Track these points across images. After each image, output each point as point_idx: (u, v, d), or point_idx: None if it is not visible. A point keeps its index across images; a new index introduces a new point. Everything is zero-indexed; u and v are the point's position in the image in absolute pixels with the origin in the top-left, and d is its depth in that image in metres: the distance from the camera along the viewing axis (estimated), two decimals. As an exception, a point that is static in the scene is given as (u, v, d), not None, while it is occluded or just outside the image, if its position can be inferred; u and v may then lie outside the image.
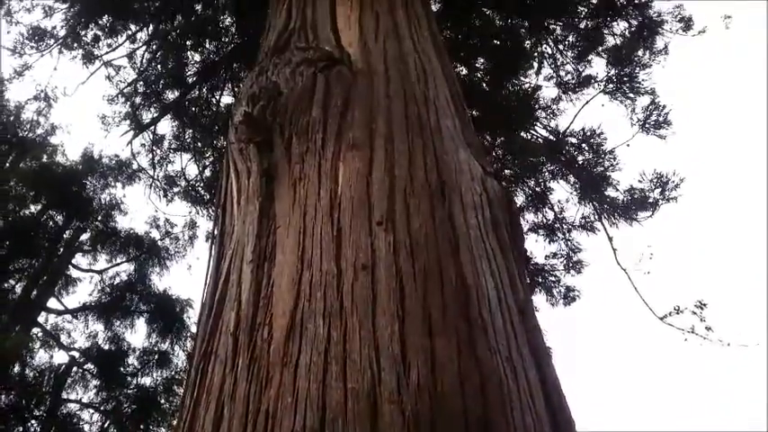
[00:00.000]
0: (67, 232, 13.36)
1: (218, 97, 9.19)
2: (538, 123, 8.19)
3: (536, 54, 8.44)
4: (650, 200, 7.30)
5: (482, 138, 7.53)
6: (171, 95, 9.16)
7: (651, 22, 7.85)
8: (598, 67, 8.13)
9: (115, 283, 13.29)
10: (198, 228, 12.82)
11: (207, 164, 9.53)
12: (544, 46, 8.45)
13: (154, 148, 9.70)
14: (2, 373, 10.46)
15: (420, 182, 2.27)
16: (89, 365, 12.58)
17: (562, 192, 8.62)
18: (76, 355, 12.56)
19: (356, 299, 1.79)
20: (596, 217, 7.84)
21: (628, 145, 7.51)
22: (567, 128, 7.89)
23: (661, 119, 7.32)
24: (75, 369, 12.30)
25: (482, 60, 8.71)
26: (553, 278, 8.24)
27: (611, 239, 7.57)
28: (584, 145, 7.82)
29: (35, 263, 12.76)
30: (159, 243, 13.38)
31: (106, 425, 11.95)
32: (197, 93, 9.20)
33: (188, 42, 8.85)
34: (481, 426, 1.53)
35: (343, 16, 3.53)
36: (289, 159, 2.48)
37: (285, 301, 1.87)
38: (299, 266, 1.95)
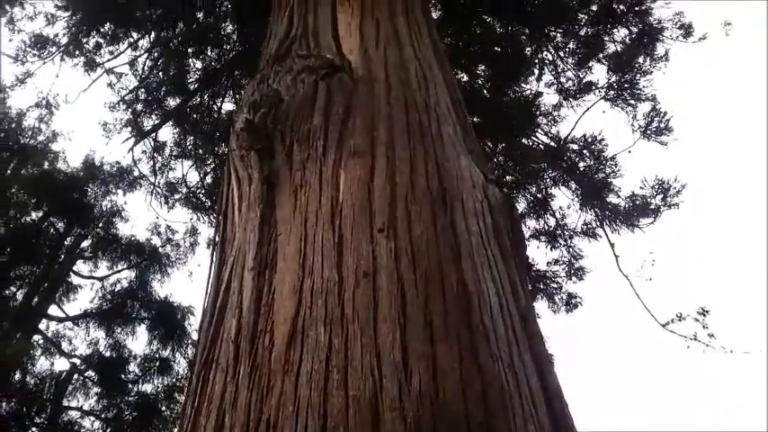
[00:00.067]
0: (68, 239, 13.35)
1: (219, 104, 9.23)
2: (539, 130, 8.20)
3: (537, 61, 8.46)
4: (652, 206, 7.29)
5: (483, 144, 7.53)
6: (172, 102, 9.19)
7: (651, 29, 7.86)
8: (599, 73, 8.18)
9: (116, 290, 13.26)
10: (199, 234, 12.82)
11: (208, 171, 9.55)
12: (545, 53, 8.48)
13: (155, 154, 9.72)
14: (3, 380, 10.44)
15: (421, 189, 2.27)
16: (90, 373, 12.55)
17: (563, 198, 8.65)
18: (77, 362, 12.54)
19: (357, 306, 1.78)
20: (598, 223, 7.83)
21: (629, 151, 7.52)
22: (569, 134, 7.91)
23: (662, 125, 7.33)
24: (76, 376, 12.27)
25: (483, 67, 8.73)
26: (555, 285, 8.22)
27: (612, 246, 7.56)
28: (585, 151, 7.83)
29: (36, 270, 12.74)
30: (160, 250, 13.36)
31: (107, 432, 11.92)
32: (198, 100, 9.23)
33: (189, 50, 8.87)
34: (483, 433, 1.53)
35: (344, 23, 3.54)
36: (290, 166, 2.48)
37: (286, 308, 1.86)
38: (300, 274, 1.95)
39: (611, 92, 7.80)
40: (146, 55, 9.32)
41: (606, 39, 8.13)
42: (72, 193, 12.54)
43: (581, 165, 7.89)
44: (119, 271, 13.45)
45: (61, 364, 12.71)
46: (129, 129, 9.34)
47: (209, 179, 9.51)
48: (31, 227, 12.71)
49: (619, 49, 7.99)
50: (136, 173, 11.08)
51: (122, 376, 12.35)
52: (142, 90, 9.26)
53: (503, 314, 1.94)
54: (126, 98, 9.29)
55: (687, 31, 7.82)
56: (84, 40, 9.02)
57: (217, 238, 2.71)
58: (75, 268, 13.48)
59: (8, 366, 10.13)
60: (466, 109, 3.41)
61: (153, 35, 9.30)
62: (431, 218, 2.15)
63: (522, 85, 8.49)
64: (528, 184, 8.34)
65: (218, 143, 9.15)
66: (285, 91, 2.91)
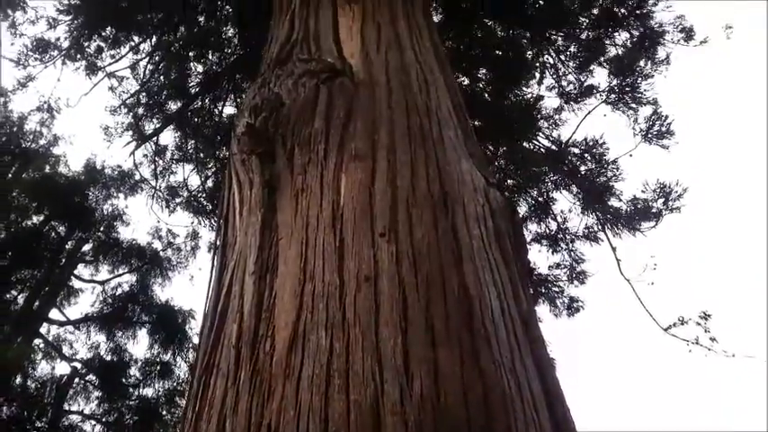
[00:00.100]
0: (70, 243, 13.36)
1: (220, 108, 9.23)
2: (540, 133, 8.20)
3: (538, 64, 8.46)
4: (653, 210, 7.28)
5: (484, 148, 7.53)
6: (173, 106, 9.20)
7: (653, 32, 7.86)
8: (600, 77, 8.15)
9: (117, 293, 13.27)
10: (200, 238, 12.80)
11: (209, 174, 9.56)
12: (546, 56, 8.47)
13: (156, 158, 9.72)
14: (4, 384, 10.43)
15: (422, 193, 2.27)
16: (91, 377, 12.55)
17: (565, 202, 8.62)
18: (78, 366, 12.54)
19: (359, 310, 1.78)
20: (599, 227, 7.82)
21: (630, 155, 7.51)
22: (570, 138, 7.90)
23: (663, 129, 7.32)
24: (76, 380, 12.27)
25: (484, 71, 8.73)
26: (556, 289, 8.21)
27: (614, 250, 7.54)
28: (586, 155, 7.82)
29: (37, 273, 12.74)
30: (161, 254, 13.37)
31: (108, 436, 11.91)
32: (199, 103, 9.24)
33: (191, 53, 8.88)
34: (485, 438, 1.52)
35: (346, 27, 3.55)
36: (291, 170, 2.48)
37: (287, 312, 1.86)
38: (301, 278, 1.95)
39: (613, 95, 7.79)
40: (147, 59, 9.34)
41: (607, 42, 8.13)
42: (73, 197, 12.56)
43: (582, 168, 7.88)
44: (120, 275, 13.47)
45: (62, 368, 12.72)
46: (131, 132, 9.34)
47: (210, 183, 9.52)
48: (32, 231, 12.72)
49: (620, 52, 7.99)
50: (137, 176, 11.09)
51: (123, 380, 12.35)
52: (143, 94, 9.27)
53: (504, 318, 1.94)
54: (127, 102, 9.30)
55: (688, 34, 7.82)
56: (86, 44, 9.03)
57: (218, 242, 2.70)
58: (76, 272, 13.50)
59: (9, 370, 10.13)
60: (467, 112, 3.41)
61: (154, 39, 9.31)
62: (432, 221, 2.14)
63: (524, 88, 8.49)
64: (529, 187, 8.33)
65: (220, 147, 9.15)
66: (286, 95, 2.91)
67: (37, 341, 12.49)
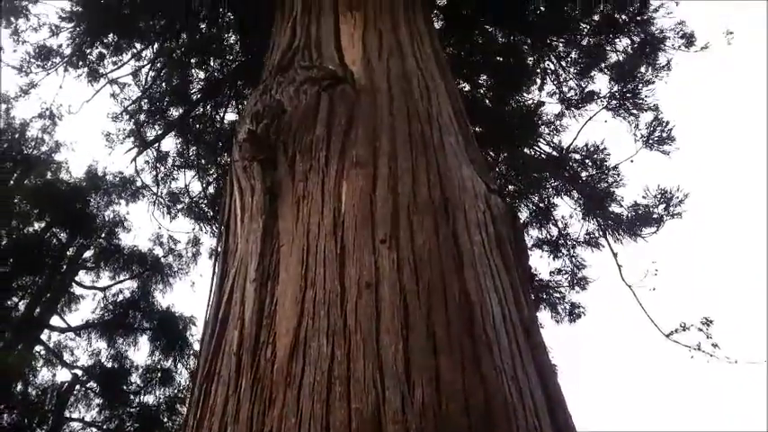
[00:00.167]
0: (71, 249, 13.36)
1: (222, 115, 9.25)
2: (541, 139, 8.20)
3: (539, 70, 8.47)
4: (655, 216, 7.27)
5: (485, 154, 7.54)
6: (175, 113, 9.22)
7: (653, 38, 7.87)
8: (601, 83, 8.16)
9: (118, 300, 13.25)
10: (201, 244, 12.82)
11: (210, 181, 9.57)
12: (547, 62, 8.48)
13: (158, 165, 9.73)
14: (4, 391, 10.42)
15: (423, 199, 2.27)
16: (92, 383, 12.52)
17: (566, 208, 8.62)
18: (79, 372, 12.51)
19: (360, 317, 1.78)
20: (601, 233, 7.81)
21: (631, 161, 7.51)
22: (571, 144, 7.90)
23: (665, 135, 7.32)
24: (77, 387, 12.24)
25: (485, 77, 8.74)
26: (558, 295, 8.20)
27: (615, 256, 7.54)
28: (587, 161, 7.82)
29: (38, 280, 12.74)
30: (162, 260, 13.36)
31: (109, 444, 11.88)
32: (201, 110, 9.25)
33: (192, 60, 8.91)
34: (486, 446, 1.52)
35: (347, 34, 3.55)
36: (292, 177, 2.48)
37: (288, 319, 1.86)
38: (302, 285, 1.95)
39: (614, 101, 7.80)
40: (149, 65, 9.36)
41: (608, 48, 8.14)
42: (74, 204, 12.56)
43: (583, 174, 7.88)
44: (121, 281, 13.46)
45: (63, 375, 12.70)
46: (132, 139, 9.38)
47: (211, 189, 9.53)
48: (33, 237, 12.72)
49: (621, 58, 8.00)
50: (138, 183, 11.12)
51: (124, 387, 12.32)
52: (145, 100, 9.30)
53: (505, 324, 1.93)
54: (129, 108, 9.33)
55: (689, 40, 7.82)
56: (88, 51, 9.05)
57: (219, 249, 2.70)
58: (77, 279, 13.49)
59: (10, 377, 10.12)
60: (468, 119, 3.41)
61: (156, 46, 9.33)
62: (433, 228, 2.14)
63: (524, 94, 8.50)
64: (530, 193, 8.33)
65: (221, 153, 9.16)
66: (288, 102, 2.91)
67: (38, 348, 12.49)
